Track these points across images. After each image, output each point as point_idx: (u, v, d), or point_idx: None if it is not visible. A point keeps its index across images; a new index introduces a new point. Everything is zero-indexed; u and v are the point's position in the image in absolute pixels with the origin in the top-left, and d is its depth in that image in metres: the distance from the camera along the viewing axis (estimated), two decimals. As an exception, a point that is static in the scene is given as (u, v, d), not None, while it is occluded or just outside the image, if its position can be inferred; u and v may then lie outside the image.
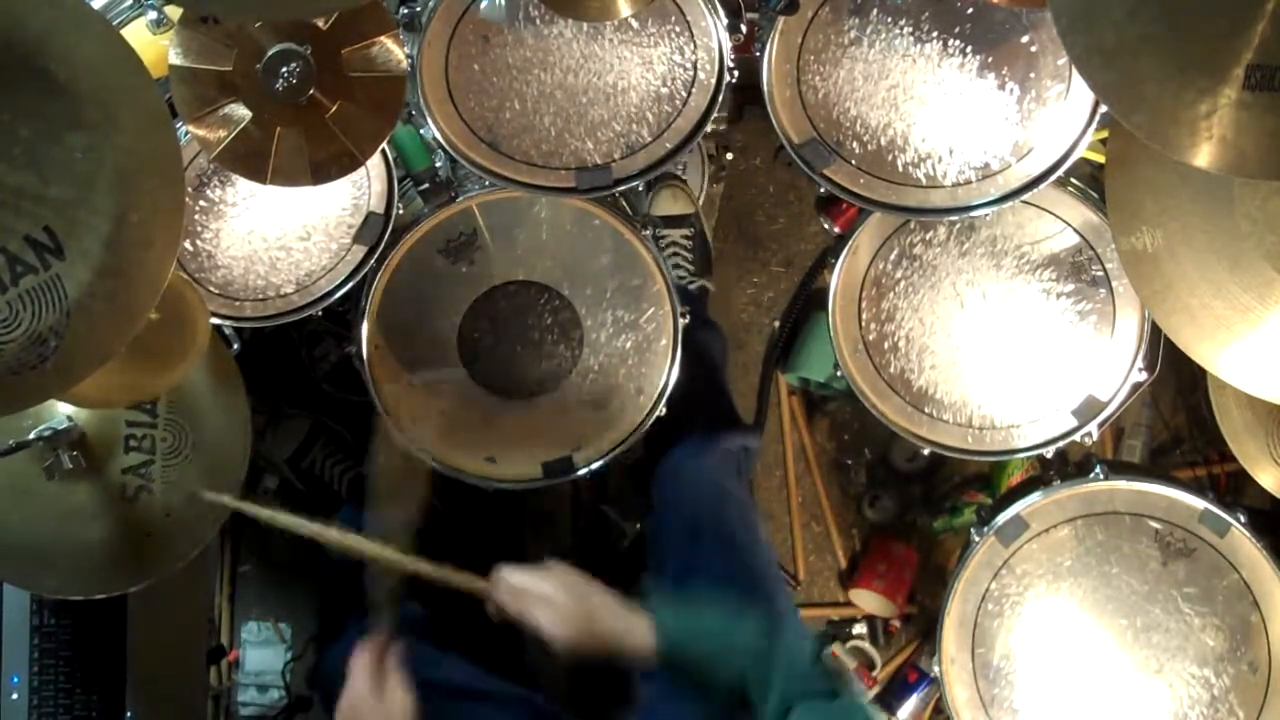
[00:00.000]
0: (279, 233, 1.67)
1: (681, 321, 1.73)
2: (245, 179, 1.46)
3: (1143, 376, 1.70)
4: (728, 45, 1.54)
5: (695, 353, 1.98)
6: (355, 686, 1.36)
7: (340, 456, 2.19)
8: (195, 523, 1.47)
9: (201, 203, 1.62)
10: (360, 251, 1.70)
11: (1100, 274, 1.71)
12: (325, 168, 1.41)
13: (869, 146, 1.61)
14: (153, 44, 1.58)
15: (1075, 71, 1.52)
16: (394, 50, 1.39)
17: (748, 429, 2.11)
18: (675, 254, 2.16)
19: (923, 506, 2.33)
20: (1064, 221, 1.70)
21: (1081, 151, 1.56)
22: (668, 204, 2.17)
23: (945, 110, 1.58)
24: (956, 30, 1.55)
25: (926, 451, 1.76)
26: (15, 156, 1.07)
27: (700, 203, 2.24)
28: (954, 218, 1.66)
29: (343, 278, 1.70)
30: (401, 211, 1.69)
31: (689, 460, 1.85)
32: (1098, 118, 1.53)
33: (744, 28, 1.56)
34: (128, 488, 1.45)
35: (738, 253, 2.32)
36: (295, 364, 2.20)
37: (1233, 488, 2.19)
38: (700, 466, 1.83)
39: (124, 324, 1.13)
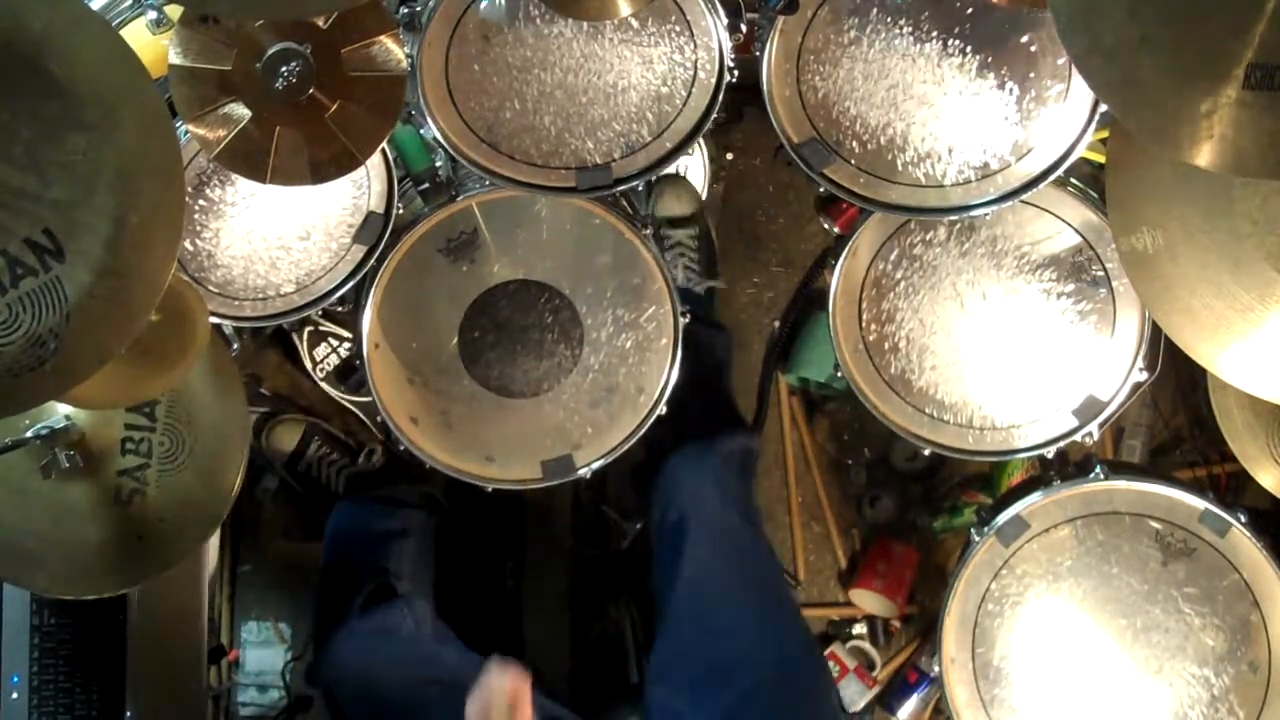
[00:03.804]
0: (279, 232, 1.67)
1: (682, 321, 1.72)
2: (245, 179, 1.45)
3: (1143, 376, 1.70)
4: (728, 45, 1.54)
5: (698, 355, 1.98)
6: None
7: (335, 457, 2.19)
8: (188, 529, 1.47)
9: (201, 202, 1.62)
10: (360, 251, 1.70)
11: (1100, 274, 1.71)
12: (325, 167, 1.41)
13: (869, 146, 1.61)
14: (153, 44, 1.58)
15: (1075, 71, 1.52)
16: (394, 50, 1.39)
17: (748, 431, 2.11)
18: (681, 255, 2.15)
19: (923, 506, 2.33)
20: (1064, 221, 1.70)
21: (1081, 151, 1.55)
22: (672, 204, 2.16)
23: (945, 110, 1.58)
24: (956, 30, 1.54)
25: (927, 452, 1.76)
26: (15, 157, 1.07)
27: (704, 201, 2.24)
28: (954, 218, 1.65)
29: (343, 277, 1.70)
30: (401, 211, 1.68)
31: (689, 467, 1.85)
32: (1098, 118, 1.53)
33: (744, 27, 1.56)
34: (122, 490, 1.45)
35: (738, 252, 2.32)
36: (295, 364, 2.21)
37: (1233, 488, 2.19)
38: (700, 475, 1.83)
39: (124, 325, 1.13)
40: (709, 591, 1.74)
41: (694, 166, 2.23)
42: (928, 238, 1.73)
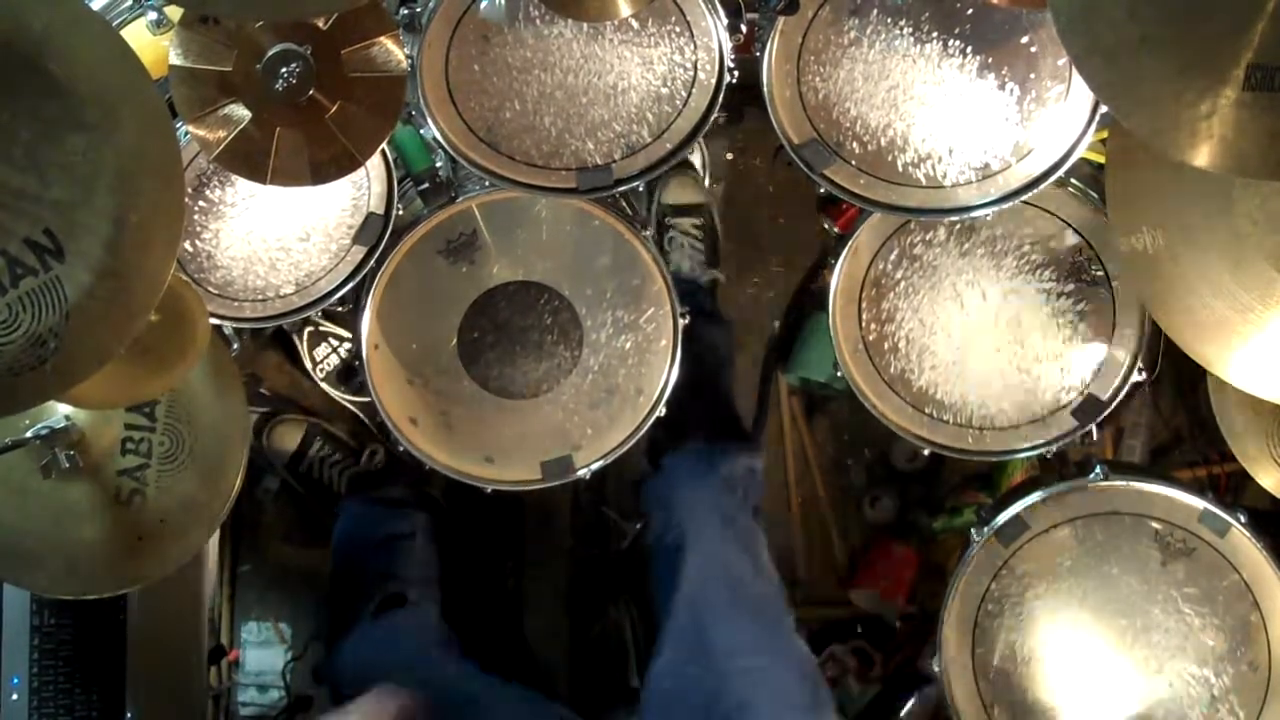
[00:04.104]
0: (279, 233, 1.67)
1: (682, 322, 1.72)
2: (245, 179, 1.45)
3: (1143, 376, 1.70)
4: (728, 45, 1.54)
5: (699, 352, 1.97)
6: None
7: (338, 457, 2.19)
8: (188, 530, 1.47)
9: (201, 203, 1.62)
10: (360, 252, 1.69)
11: (1100, 274, 1.71)
12: (325, 168, 1.41)
13: (869, 147, 1.61)
14: (153, 44, 1.58)
15: (1075, 71, 1.52)
16: (394, 50, 1.39)
17: (751, 447, 2.09)
18: (687, 243, 2.15)
19: (923, 506, 2.33)
20: (1064, 221, 1.70)
21: (1081, 151, 1.55)
22: (677, 193, 2.16)
23: (945, 110, 1.58)
24: (956, 30, 1.55)
25: (926, 452, 1.76)
26: (15, 158, 1.07)
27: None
28: (954, 218, 1.65)
29: (342, 278, 1.70)
30: (401, 212, 1.68)
31: (688, 486, 1.84)
32: (1098, 118, 1.53)
33: (744, 28, 1.56)
34: (122, 490, 1.45)
35: (738, 252, 2.32)
36: (295, 364, 2.21)
37: (1233, 488, 2.19)
38: (699, 499, 1.82)
39: (124, 326, 1.13)
40: (705, 614, 1.72)
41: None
42: (928, 238, 1.73)
